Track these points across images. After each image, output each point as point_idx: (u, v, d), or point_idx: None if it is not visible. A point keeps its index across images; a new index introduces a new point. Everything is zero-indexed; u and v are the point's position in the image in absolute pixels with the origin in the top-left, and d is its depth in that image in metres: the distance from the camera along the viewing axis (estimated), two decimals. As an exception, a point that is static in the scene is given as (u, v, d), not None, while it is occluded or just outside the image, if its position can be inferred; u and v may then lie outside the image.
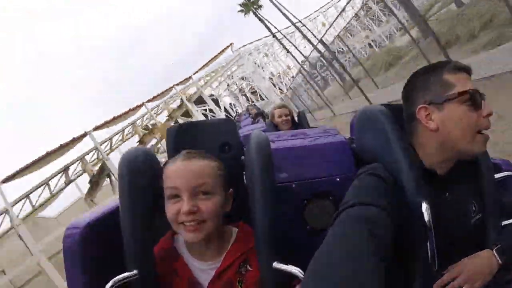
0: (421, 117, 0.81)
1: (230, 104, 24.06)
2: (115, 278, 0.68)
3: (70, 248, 0.72)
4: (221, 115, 22.97)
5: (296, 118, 2.84)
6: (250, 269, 0.78)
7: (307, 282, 0.50)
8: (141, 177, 0.78)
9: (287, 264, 0.70)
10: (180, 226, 0.75)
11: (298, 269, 0.68)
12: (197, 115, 21.55)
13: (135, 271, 0.70)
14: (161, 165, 0.85)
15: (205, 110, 22.90)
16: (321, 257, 0.54)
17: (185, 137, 0.92)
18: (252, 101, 24.29)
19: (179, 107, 20.79)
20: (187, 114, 21.10)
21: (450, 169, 0.83)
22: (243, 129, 4.70)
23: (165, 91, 20.60)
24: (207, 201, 0.75)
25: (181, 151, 0.83)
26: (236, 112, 23.08)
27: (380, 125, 0.81)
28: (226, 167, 0.83)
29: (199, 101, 22.66)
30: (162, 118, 20.01)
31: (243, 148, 0.93)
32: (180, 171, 0.76)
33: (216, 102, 23.13)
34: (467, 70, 0.82)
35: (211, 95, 23.04)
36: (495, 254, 0.78)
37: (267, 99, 22.64)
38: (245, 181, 0.86)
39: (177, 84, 21.28)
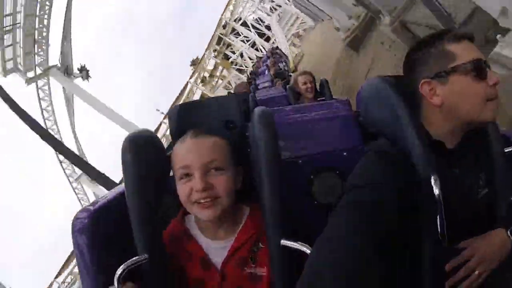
0: (425, 93, 0.78)
1: (256, 20, 26.39)
2: (125, 263, 0.68)
3: (79, 236, 0.72)
4: (254, 36, 23.88)
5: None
6: (262, 246, 0.78)
7: (316, 260, 0.52)
8: (145, 159, 0.77)
9: (295, 241, 0.70)
10: (194, 205, 0.75)
11: (307, 245, 0.68)
12: (236, 44, 24.15)
13: (145, 255, 0.71)
14: (164, 147, 0.86)
15: (241, 37, 24.61)
16: (323, 246, 0.55)
17: (188, 117, 0.91)
18: (275, 9, 26.20)
19: (219, 43, 24.15)
20: (229, 46, 24.50)
21: (459, 143, 0.80)
22: (260, 92, 4.52)
23: (211, 38, 24.32)
24: (220, 177, 0.75)
25: (185, 131, 0.82)
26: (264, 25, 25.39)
27: (387, 98, 0.80)
28: (232, 145, 0.84)
29: (233, 32, 24.76)
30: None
31: (247, 125, 0.92)
32: (190, 149, 0.76)
33: (245, 24, 24.16)
34: (468, 37, 0.78)
35: (240, 20, 24.33)
36: (510, 234, 0.76)
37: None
38: (250, 158, 0.84)
39: (215, 30, 24.57)
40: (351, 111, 1.06)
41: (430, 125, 0.80)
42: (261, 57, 11.93)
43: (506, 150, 0.85)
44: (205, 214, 0.74)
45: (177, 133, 0.88)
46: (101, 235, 0.75)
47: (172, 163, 0.79)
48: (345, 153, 0.96)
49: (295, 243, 0.70)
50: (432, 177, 0.69)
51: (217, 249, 0.79)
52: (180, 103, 0.98)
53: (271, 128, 0.78)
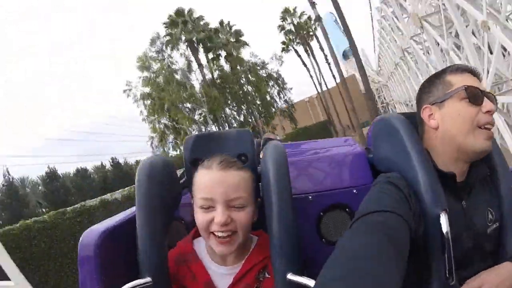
0: (425, 117, 0.84)
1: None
2: (128, 284, 0.68)
3: (85, 255, 0.72)
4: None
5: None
6: (268, 276, 0.78)
7: (323, 276, 0.48)
8: (159, 186, 0.78)
9: (301, 276, 0.70)
10: (211, 236, 0.76)
11: (313, 281, 0.66)
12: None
13: (148, 278, 0.71)
14: (178, 175, 0.88)
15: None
16: (336, 255, 0.52)
17: (202, 147, 0.91)
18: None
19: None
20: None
21: (467, 176, 0.82)
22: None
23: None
24: (241, 213, 0.76)
25: (199, 161, 0.83)
26: None
27: (396, 134, 0.81)
28: (256, 179, 0.84)
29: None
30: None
31: (259, 159, 0.92)
32: (216, 182, 0.76)
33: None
34: (471, 71, 0.83)
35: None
36: None
37: None
38: (261, 192, 0.84)
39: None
40: (361, 148, 1.04)
41: (432, 151, 0.83)
42: None
43: None
44: (221, 249, 0.76)
45: (190, 162, 0.91)
46: (107, 258, 0.74)
47: (194, 188, 0.80)
48: (355, 191, 0.94)
49: (301, 278, 0.70)
50: (441, 215, 0.69)
51: (223, 275, 0.80)
52: (197, 133, 1.02)
53: (283, 164, 0.79)
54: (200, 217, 0.76)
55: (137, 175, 0.79)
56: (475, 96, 0.77)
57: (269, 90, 25.24)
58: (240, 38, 24.02)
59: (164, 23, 21.94)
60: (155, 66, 21.52)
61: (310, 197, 0.95)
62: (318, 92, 27.69)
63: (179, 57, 22.27)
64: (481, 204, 0.82)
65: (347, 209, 0.94)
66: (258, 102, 24.54)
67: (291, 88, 26.99)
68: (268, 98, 25.01)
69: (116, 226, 0.79)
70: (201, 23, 22.53)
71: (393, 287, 0.47)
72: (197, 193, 0.78)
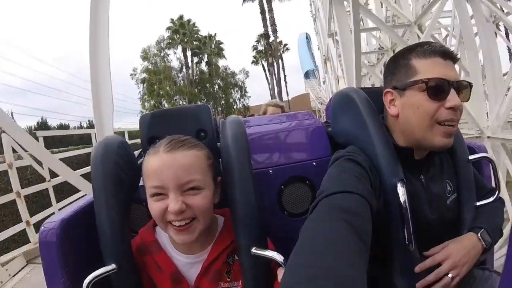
0: (386, 102, 0.71)
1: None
2: (93, 273, 0.60)
3: (47, 244, 0.63)
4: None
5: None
6: (237, 259, 0.66)
7: (289, 277, 0.43)
8: (116, 167, 0.67)
9: (266, 249, 0.62)
10: (169, 225, 0.60)
11: (278, 254, 0.61)
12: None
13: (113, 265, 0.62)
14: (135, 155, 0.75)
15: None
16: (301, 250, 0.47)
17: (159, 124, 0.79)
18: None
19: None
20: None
21: (426, 155, 0.72)
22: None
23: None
24: (197, 196, 0.60)
25: (156, 139, 0.69)
26: None
27: (355, 108, 0.74)
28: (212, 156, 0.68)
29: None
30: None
31: (218, 134, 0.79)
32: (164, 167, 0.59)
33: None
34: (442, 53, 0.66)
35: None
36: (480, 238, 0.69)
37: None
38: (221, 167, 0.72)
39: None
40: (320, 122, 0.96)
41: (393, 133, 0.72)
42: None
43: (470, 158, 0.78)
44: (180, 238, 0.60)
45: (147, 141, 0.76)
46: (70, 246, 0.65)
47: (143, 177, 0.62)
48: (314, 163, 0.87)
49: (265, 251, 0.62)
50: (398, 185, 0.62)
51: (190, 264, 0.66)
52: (153, 111, 0.86)
53: (243, 138, 0.69)
54: (154, 207, 0.60)
55: (92, 157, 0.66)
56: (437, 91, 0.63)
57: (233, 94, 29.63)
58: (221, 51, 27.16)
59: (168, 28, 24.43)
60: (155, 59, 24.60)
61: (270, 170, 0.87)
62: (272, 101, 34.93)
63: (174, 58, 25.67)
64: (439, 177, 0.74)
65: (307, 181, 0.86)
66: (223, 102, 27.92)
67: (250, 96, 30.77)
68: (231, 100, 28.69)
69: (77, 213, 0.69)
70: (195, 35, 25.44)
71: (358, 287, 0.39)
72: (147, 182, 0.61)
